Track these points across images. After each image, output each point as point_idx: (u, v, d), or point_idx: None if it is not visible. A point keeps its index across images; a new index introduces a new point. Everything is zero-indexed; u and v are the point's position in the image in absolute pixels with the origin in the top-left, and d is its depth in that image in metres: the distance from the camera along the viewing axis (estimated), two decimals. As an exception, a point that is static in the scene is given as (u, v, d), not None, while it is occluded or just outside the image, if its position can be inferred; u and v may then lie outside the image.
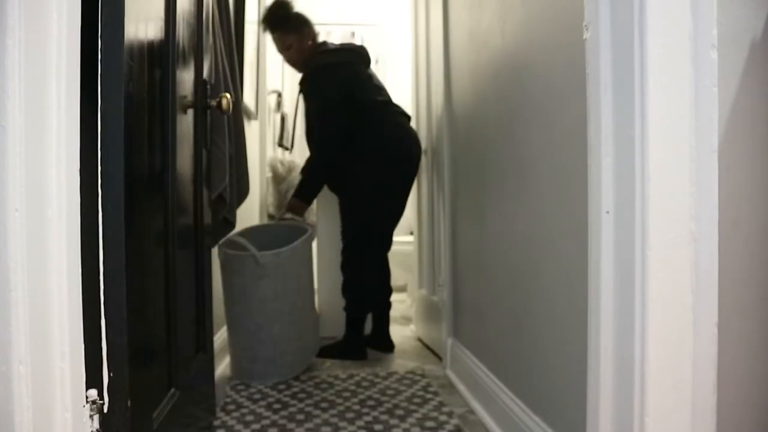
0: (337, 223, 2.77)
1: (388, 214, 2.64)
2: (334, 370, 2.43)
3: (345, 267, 2.68)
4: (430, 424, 1.81)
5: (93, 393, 0.97)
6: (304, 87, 2.68)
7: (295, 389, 2.16)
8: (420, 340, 2.91)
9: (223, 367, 2.39)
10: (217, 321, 2.19)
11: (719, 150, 0.87)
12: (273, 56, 4.19)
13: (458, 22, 2.22)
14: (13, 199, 0.87)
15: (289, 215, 2.62)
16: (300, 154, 4.25)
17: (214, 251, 2.19)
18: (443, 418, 1.85)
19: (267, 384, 2.23)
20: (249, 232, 2.50)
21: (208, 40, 1.75)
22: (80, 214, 0.95)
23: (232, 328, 2.32)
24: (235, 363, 2.33)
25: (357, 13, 4.76)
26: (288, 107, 4.36)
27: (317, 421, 1.84)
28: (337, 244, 2.75)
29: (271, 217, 3.86)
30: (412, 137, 2.68)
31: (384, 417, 1.87)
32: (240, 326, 2.27)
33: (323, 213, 2.97)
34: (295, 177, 3.36)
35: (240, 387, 2.19)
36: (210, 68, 1.77)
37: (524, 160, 1.53)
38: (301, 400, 2.04)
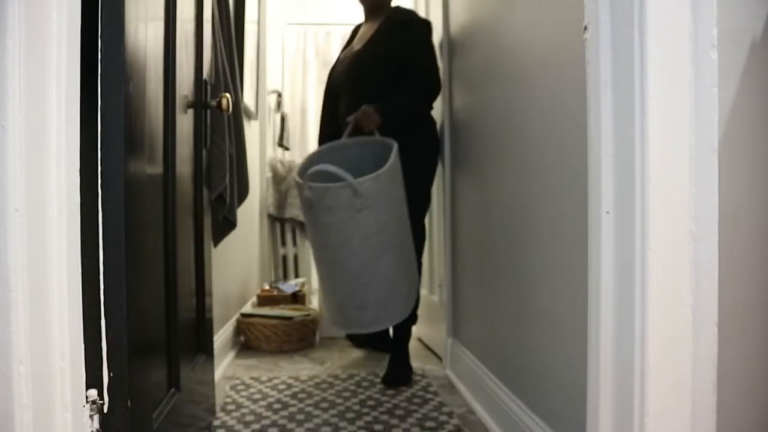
0: None
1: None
2: (334, 370, 2.43)
3: (417, 259, 2.28)
4: (430, 424, 1.81)
5: (93, 393, 0.97)
6: (416, 26, 2.32)
7: (295, 389, 2.16)
8: (420, 340, 2.91)
9: (223, 367, 2.39)
10: (217, 320, 2.19)
11: (719, 150, 0.87)
12: (273, 56, 4.21)
13: (458, 22, 2.22)
14: (13, 199, 0.87)
15: (351, 127, 2.16)
16: (300, 154, 4.25)
17: (216, 250, 2.15)
18: (443, 418, 1.85)
19: (377, 329, 2.05)
20: (319, 157, 2.08)
21: (208, 40, 1.75)
22: (80, 214, 0.95)
23: (328, 278, 2.02)
24: (337, 315, 2.06)
25: (357, 13, 4.76)
26: (288, 107, 4.36)
27: (317, 421, 1.84)
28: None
29: (271, 217, 3.86)
30: None
31: (384, 417, 1.87)
32: (340, 272, 1.95)
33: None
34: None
35: (240, 387, 2.19)
36: (210, 68, 1.77)
37: (524, 160, 1.53)
38: (301, 400, 2.04)
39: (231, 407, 1.97)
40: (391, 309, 2.00)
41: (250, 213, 3.29)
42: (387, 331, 2.60)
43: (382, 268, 1.93)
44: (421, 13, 2.90)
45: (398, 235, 1.97)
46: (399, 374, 2.24)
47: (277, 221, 3.91)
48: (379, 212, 1.87)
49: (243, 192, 2.44)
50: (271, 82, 4.06)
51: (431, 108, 2.36)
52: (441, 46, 2.40)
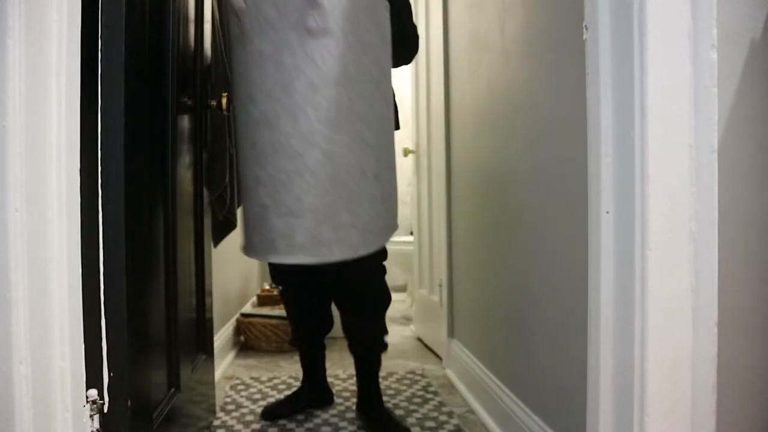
0: None
1: None
2: (334, 369, 2.43)
3: (380, 274, 1.77)
4: (430, 424, 1.81)
5: (93, 393, 0.97)
6: None
7: (295, 389, 2.16)
8: (420, 340, 2.91)
9: (223, 367, 2.39)
10: (217, 320, 2.19)
11: (719, 150, 0.87)
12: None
13: (458, 22, 2.22)
14: (13, 199, 0.87)
15: None
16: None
17: (216, 250, 2.14)
18: (443, 418, 1.85)
19: (311, 260, 1.24)
20: None
21: (208, 39, 1.75)
22: (80, 214, 0.95)
23: (250, 157, 1.28)
24: (252, 230, 1.33)
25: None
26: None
27: (317, 421, 1.84)
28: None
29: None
30: None
31: (384, 417, 1.87)
32: (270, 141, 1.23)
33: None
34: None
35: (240, 387, 2.19)
36: (210, 68, 1.77)
37: (524, 159, 1.53)
38: (301, 400, 2.04)
39: (231, 407, 1.97)
40: (344, 229, 1.21)
41: (250, 213, 3.28)
42: (319, 381, 2.00)
43: (338, 146, 1.20)
44: (421, 13, 2.91)
45: (368, 102, 1.25)
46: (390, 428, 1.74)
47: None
48: (343, 49, 1.21)
49: (243, 192, 2.43)
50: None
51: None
52: (441, 46, 2.40)
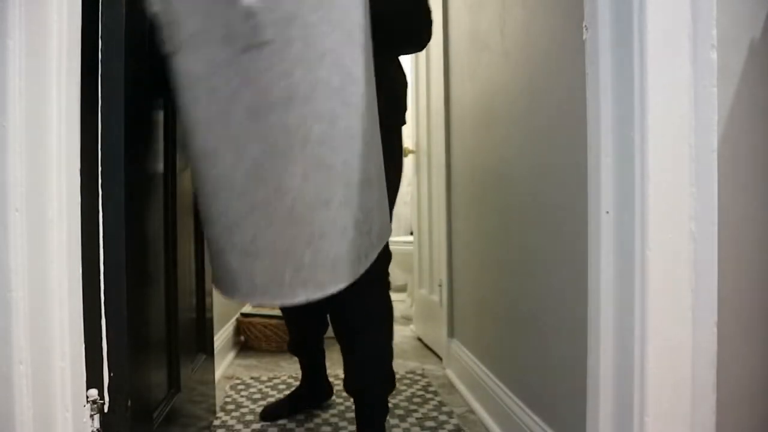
0: None
1: None
2: (334, 369, 2.43)
3: (386, 300, 1.58)
4: (430, 424, 1.81)
5: (93, 393, 0.97)
6: None
7: (295, 389, 2.16)
8: (420, 339, 2.91)
9: (223, 366, 2.39)
10: (217, 320, 2.19)
11: (719, 150, 0.87)
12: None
13: (458, 22, 2.22)
14: (13, 199, 0.87)
15: None
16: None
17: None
18: (443, 417, 1.85)
19: (291, 303, 1.08)
20: None
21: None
22: (80, 214, 0.95)
23: (202, 194, 1.12)
24: (217, 269, 1.17)
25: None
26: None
27: (317, 420, 1.84)
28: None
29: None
30: None
31: (384, 417, 1.87)
32: (213, 177, 1.08)
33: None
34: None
35: (240, 387, 2.19)
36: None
37: (524, 159, 1.53)
38: (301, 400, 2.04)
39: (231, 407, 1.97)
40: (307, 268, 1.06)
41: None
42: (318, 381, 1.93)
43: (292, 178, 1.02)
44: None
45: (328, 120, 1.04)
46: None
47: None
48: (290, 63, 0.97)
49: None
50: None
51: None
52: (441, 46, 2.40)
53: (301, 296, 1.08)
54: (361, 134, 1.09)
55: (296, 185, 1.03)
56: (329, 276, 1.08)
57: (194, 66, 1.03)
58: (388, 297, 1.59)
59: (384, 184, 1.21)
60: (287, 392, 2.09)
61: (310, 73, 1.01)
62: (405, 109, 1.67)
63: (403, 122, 1.63)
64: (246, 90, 1.01)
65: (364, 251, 1.13)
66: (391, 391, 1.62)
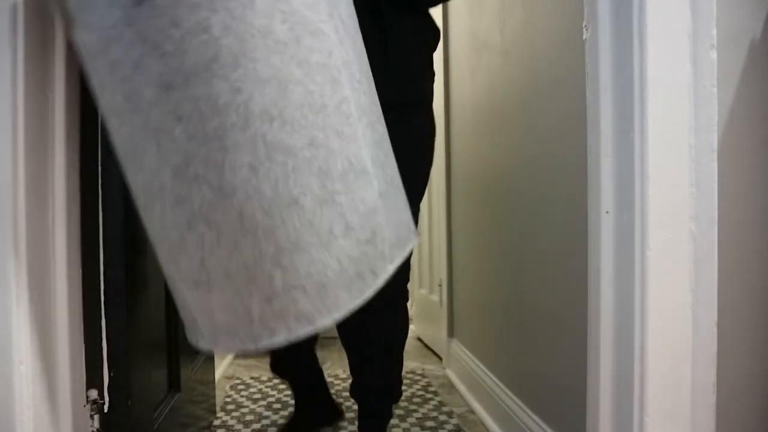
0: None
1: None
2: (334, 369, 2.43)
3: (404, 320, 1.49)
4: (430, 424, 1.81)
5: (93, 393, 0.97)
6: None
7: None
8: (420, 339, 2.91)
9: (223, 366, 2.39)
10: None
11: (719, 150, 0.87)
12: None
13: (458, 22, 2.22)
14: (14, 200, 0.87)
15: None
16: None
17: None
18: (443, 417, 1.85)
19: (270, 345, 0.80)
20: None
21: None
22: (80, 214, 0.95)
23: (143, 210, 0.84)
24: (177, 302, 0.88)
25: None
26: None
27: (317, 420, 1.84)
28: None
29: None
30: None
31: (384, 417, 1.87)
32: (135, 169, 0.81)
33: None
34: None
35: (240, 387, 2.19)
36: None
37: (524, 159, 1.53)
38: (301, 400, 2.03)
39: (231, 407, 1.97)
40: (283, 294, 0.79)
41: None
42: (319, 401, 1.72)
43: (238, 173, 0.75)
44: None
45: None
46: None
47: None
48: (208, 4, 0.72)
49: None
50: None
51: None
52: (440, 46, 2.40)
53: (280, 335, 0.79)
54: (336, 104, 0.79)
55: (243, 180, 0.74)
56: (316, 303, 0.79)
57: (88, 38, 0.75)
58: (407, 315, 1.44)
59: (396, 175, 0.90)
60: (287, 392, 2.09)
61: (236, 20, 0.71)
62: (430, 78, 1.34)
63: (423, 95, 1.31)
64: (151, 58, 0.72)
65: (368, 265, 0.83)
66: (398, 400, 1.56)
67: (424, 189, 1.34)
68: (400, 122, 1.04)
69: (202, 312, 0.81)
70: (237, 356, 2.64)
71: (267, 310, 0.78)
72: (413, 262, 3.07)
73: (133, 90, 0.74)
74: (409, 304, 1.51)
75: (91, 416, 0.96)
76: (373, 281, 0.83)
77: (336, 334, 1.73)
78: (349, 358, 1.49)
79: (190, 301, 0.82)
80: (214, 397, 1.83)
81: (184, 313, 0.86)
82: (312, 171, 0.77)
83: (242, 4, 0.71)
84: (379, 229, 0.84)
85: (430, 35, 1.32)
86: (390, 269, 0.85)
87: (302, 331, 0.79)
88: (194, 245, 0.78)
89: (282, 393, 2.11)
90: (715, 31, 0.86)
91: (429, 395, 2.08)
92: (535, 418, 1.42)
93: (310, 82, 0.77)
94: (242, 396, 2.09)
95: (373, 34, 1.08)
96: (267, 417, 1.88)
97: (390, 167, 0.90)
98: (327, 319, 0.80)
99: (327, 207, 0.78)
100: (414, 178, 1.07)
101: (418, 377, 2.30)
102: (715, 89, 0.86)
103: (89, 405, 0.96)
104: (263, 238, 0.76)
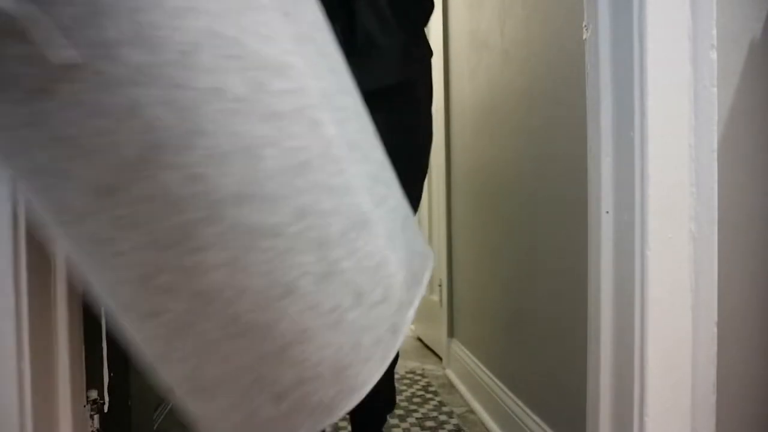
0: None
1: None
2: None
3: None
4: (430, 423, 1.81)
5: (93, 393, 0.97)
6: None
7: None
8: (420, 339, 2.91)
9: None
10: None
11: (719, 150, 0.87)
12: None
13: (458, 21, 2.22)
14: (18, 200, 0.87)
15: None
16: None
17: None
18: (443, 417, 1.85)
19: None
20: None
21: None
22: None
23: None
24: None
25: None
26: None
27: (317, 420, 1.84)
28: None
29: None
30: None
31: (384, 417, 1.87)
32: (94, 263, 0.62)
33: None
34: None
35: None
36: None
37: (524, 159, 1.53)
38: (301, 400, 2.04)
39: (231, 407, 1.97)
40: (296, 388, 0.68)
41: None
42: None
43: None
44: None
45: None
46: None
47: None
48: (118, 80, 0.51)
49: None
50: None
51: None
52: (441, 46, 2.40)
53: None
54: (321, 153, 0.63)
55: (224, 282, 0.60)
56: (335, 388, 0.71)
57: None
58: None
59: (401, 202, 0.77)
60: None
61: (173, 89, 0.55)
62: (418, 58, 1.12)
63: (407, 80, 1.09)
64: (77, 161, 0.56)
65: (386, 326, 0.72)
66: (392, 409, 1.50)
67: (420, 195, 1.17)
68: (378, 118, 0.78)
69: (204, 418, 0.70)
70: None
71: (279, 411, 0.68)
72: (413, 262, 3.07)
73: (61, 200, 0.59)
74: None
75: (91, 416, 0.96)
76: (394, 341, 0.73)
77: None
78: None
79: (190, 406, 0.70)
80: (214, 397, 1.82)
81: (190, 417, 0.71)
82: (306, 246, 0.63)
83: (179, 66, 0.54)
84: (392, 280, 0.75)
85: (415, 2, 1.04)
86: (410, 315, 0.76)
87: (319, 426, 0.71)
88: (180, 358, 0.67)
89: (282, 393, 2.11)
90: (715, 31, 0.86)
91: (429, 395, 2.08)
92: (535, 418, 1.42)
93: (286, 138, 0.60)
94: (242, 396, 2.09)
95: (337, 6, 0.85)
96: (267, 417, 1.88)
97: (393, 197, 0.76)
98: (350, 402, 0.73)
99: (330, 281, 0.66)
100: (405, 187, 0.82)
101: (418, 377, 2.30)
102: (715, 89, 0.86)
103: (89, 405, 0.96)
104: (261, 338, 0.64)
